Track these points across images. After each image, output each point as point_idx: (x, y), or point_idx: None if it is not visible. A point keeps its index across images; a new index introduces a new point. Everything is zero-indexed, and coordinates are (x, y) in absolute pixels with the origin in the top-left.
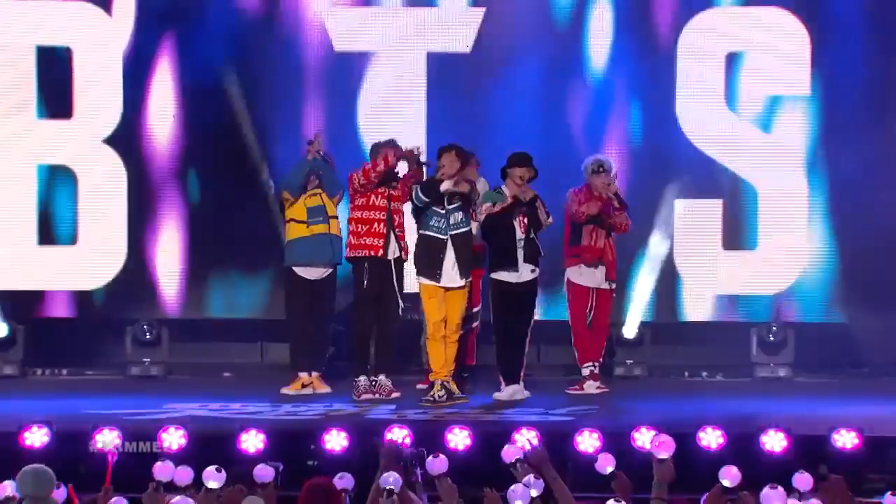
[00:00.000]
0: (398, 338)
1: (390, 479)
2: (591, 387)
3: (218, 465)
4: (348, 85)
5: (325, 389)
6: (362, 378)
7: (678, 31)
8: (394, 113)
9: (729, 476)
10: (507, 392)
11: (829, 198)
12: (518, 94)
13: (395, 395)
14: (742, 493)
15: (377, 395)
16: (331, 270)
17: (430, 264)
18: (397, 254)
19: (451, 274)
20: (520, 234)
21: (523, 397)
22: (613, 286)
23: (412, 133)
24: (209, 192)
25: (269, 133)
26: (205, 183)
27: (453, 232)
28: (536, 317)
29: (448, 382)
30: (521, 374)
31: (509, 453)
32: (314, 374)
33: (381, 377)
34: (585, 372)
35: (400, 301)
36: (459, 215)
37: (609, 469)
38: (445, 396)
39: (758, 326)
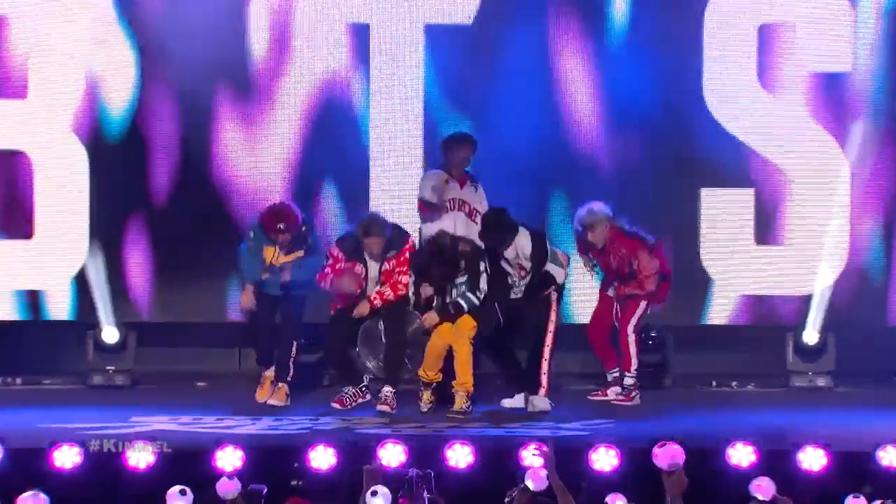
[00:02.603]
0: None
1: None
2: (614, 392)
3: (190, 485)
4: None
5: (279, 402)
6: (349, 388)
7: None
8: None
9: (761, 490)
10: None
11: None
12: (523, 72)
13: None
14: (780, 499)
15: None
16: None
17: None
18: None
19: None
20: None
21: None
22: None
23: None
24: (182, 182)
25: (251, 115)
26: (177, 172)
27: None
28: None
29: (472, 394)
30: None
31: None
32: (279, 384)
33: (385, 389)
34: (610, 378)
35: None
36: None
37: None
38: (472, 407)
39: (794, 330)
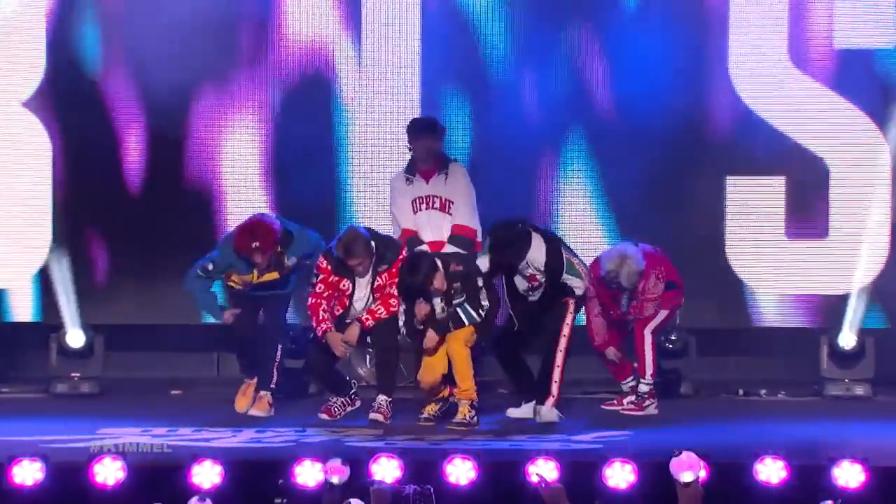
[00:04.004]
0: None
1: None
2: (629, 401)
3: None
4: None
5: (261, 413)
6: (336, 398)
7: None
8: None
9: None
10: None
11: None
12: (531, 51)
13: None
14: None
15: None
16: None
17: None
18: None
19: None
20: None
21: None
22: None
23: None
24: (154, 170)
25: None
26: (149, 159)
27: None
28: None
29: (476, 402)
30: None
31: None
32: (261, 392)
33: (380, 398)
34: (626, 387)
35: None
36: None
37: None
38: (477, 418)
39: (829, 333)
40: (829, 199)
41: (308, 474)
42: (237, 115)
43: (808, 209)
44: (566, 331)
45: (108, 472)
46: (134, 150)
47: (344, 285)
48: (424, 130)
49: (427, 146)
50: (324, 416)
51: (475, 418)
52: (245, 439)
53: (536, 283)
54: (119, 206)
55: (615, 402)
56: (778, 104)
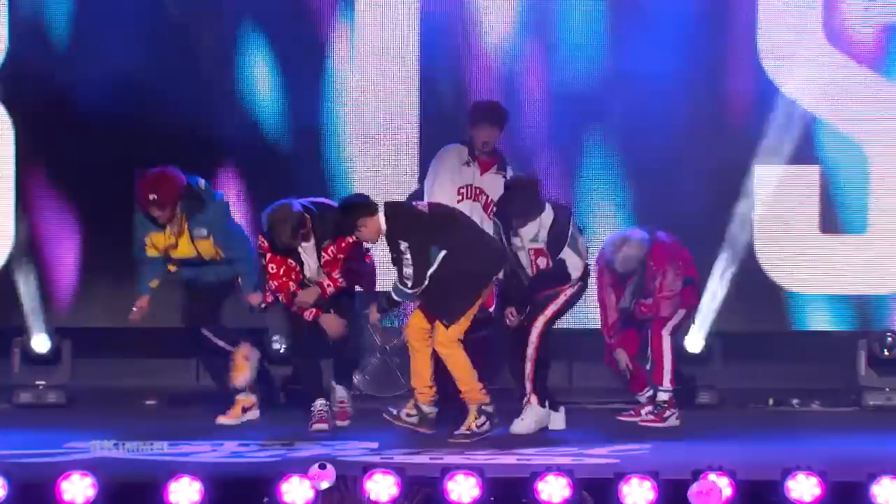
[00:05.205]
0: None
1: None
2: (647, 411)
3: None
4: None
5: (229, 421)
6: (318, 401)
7: None
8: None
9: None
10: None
11: None
12: (545, 26)
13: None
14: None
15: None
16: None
17: None
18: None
19: None
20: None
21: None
22: None
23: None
24: (127, 158)
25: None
26: (122, 145)
27: None
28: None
29: (486, 404)
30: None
31: None
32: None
33: (338, 388)
34: (643, 398)
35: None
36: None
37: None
38: (488, 425)
39: (868, 337)
40: (869, 190)
41: (296, 492)
42: (218, 104)
43: (844, 201)
44: (542, 321)
45: (77, 490)
46: (102, 142)
47: (291, 263)
48: (481, 119)
49: (484, 138)
50: (321, 427)
51: (485, 426)
52: (227, 454)
53: (535, 257)
54: (88, 200)
55: (633, 412)
56: (811, 86)
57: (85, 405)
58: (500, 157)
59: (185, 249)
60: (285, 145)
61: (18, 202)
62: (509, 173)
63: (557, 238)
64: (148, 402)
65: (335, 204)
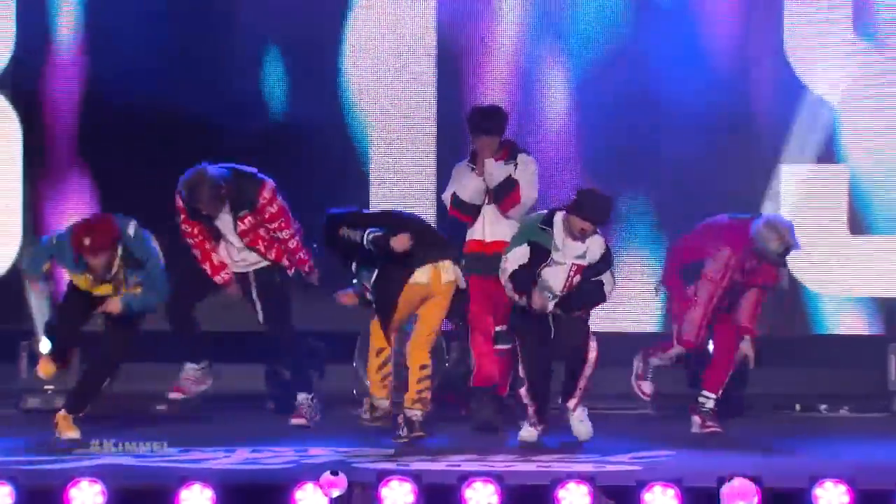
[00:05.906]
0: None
1: None
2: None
3: None
4: None
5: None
6: (301, 395)
7: None
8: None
9: None
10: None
11: None
12: (565, 20)
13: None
14: None
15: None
16: None
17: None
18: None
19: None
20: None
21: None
22: None
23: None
24: (136, 158)
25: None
26: (126, 145)
27: None
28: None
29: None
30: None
31: None
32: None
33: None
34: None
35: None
36: None
37: None
38: (406, 432)
39: None
40: None
41: (310, 499)
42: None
43: (874, 202)
44: (593, 355)
45: (86, 497)
46: (112, 138)
47: (206, 225)
48: (478, 129)
49: (485, 146)
50: (299, 421)
51: (402, 433)
52: (239, 460)
53: (570, 283)
54: (97, 200)
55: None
56: (840, 83)
57: (94, 410)
58: (510, 148)
59: (102, 291)
60: (299, 146)
61: (26, 203)
62: (521, 160)
63: (606, 258)
64: (159, 407)
65: (251, 171)
